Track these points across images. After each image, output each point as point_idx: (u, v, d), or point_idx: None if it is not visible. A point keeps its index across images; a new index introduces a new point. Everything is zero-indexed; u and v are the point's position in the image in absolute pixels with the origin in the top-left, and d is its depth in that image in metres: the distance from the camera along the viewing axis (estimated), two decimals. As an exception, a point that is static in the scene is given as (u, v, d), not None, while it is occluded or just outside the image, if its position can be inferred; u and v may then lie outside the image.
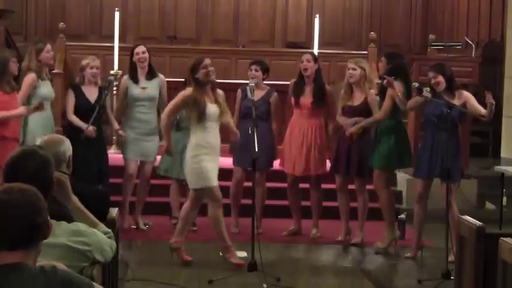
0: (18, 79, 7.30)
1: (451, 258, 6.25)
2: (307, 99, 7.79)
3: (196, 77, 6.62)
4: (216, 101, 6.63)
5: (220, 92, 6.83)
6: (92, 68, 7.62)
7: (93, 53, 11.17)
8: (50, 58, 7.55)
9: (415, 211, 7.22)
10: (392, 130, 7.42)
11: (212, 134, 6.59)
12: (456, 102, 6.84)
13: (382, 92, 7.43)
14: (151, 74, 7.96)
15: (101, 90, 7.65)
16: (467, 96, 6.97)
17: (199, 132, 6.60)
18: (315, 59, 7.94)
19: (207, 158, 6.55)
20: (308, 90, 7.83)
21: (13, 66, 7.03)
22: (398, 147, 7.44)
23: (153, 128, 7.91)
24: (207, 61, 6.70)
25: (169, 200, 8.18)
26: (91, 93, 7.59)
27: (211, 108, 6.57)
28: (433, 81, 6.97)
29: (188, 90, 6.68)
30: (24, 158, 3.28)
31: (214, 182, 6.58)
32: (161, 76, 8.09)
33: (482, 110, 6.79)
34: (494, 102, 6.72)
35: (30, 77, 7.33)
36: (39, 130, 7.14)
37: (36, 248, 2.46)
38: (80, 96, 7.58)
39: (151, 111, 7.93)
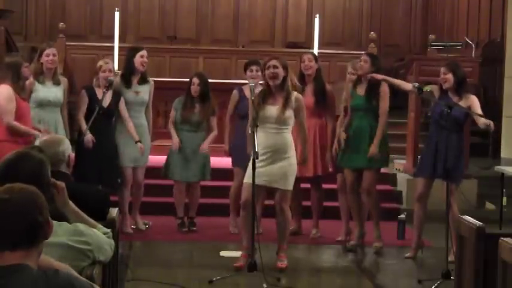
0: None
1: (451, 258, 6.24)
2: (308, 98, 7.79)
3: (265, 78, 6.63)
4: (282, 104, 6.48)
5: (295, 96, 6.68)
6: (104, 71, 7.60)
7: (93, 53, 11.26)
8: (49, 62, 7.33)
9: (415, 210, 7.21)
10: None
11: (267, 136, 6.49)
12: (462, 104, 6.84)
13: (369, 92, 7.38)
14: (143, 79, 7.93)
15: (112, 92, 7.63)
16: (472, 100, 6.94)
17: (257, 133, 6.59)
18: (316, 58, 7.95)
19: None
20: (308, 89, 7.82)
21: (26, 71, 6.98)
22: (386, 146, 7.47)
23: (144, 131, 7.88)
24: (271, 62, 6.58)
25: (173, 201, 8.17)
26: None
27: (269, 111, 6.52)
28: (441, 76, 6.98)
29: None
30: (18, 160, 3.29)
31: (247, 180, 6.55)
32: (151, 81, 8.06)
33: (481, 120, 6.77)
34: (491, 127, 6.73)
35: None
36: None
37: (38, 248, 2.45)
38: (92, 98, 7.56)
39: (141, 115, 7.90)
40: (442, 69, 7.01)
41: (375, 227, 7.55)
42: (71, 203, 3.60)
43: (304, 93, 7.79)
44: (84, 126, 7.43)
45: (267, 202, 7.83)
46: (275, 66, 6.56)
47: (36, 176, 3.25)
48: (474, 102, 6.91)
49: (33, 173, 3.26)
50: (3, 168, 3.28)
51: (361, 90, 7.46)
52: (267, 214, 7.97)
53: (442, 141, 6.88)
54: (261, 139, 6.47)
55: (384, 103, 7.36)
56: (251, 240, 6.37)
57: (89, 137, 7.32)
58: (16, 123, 6.78)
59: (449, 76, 6.92)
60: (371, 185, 7.46)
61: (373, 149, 7.33)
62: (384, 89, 7.36)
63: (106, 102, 7.55)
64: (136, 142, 7.68)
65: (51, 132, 7.02)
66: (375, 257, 7.39)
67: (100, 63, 7.69)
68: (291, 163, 6.61)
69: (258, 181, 6.43)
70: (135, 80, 7.89)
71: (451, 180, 6.66)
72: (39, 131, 6.85)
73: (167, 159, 8.08)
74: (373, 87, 7.35)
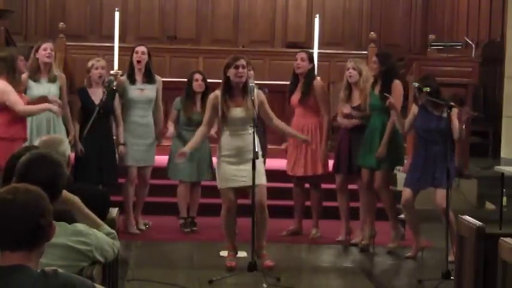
0: None
1: (451, 258, 6.24)
2: (296, 96, 7.80)
3: (228, 76, 6.53)
4: (246, 105, 6.43)
5: (258, 93, 6.65)
6: (97, 68, 7.58)
7: (93, 53, 11.23)
8: (45, 56, 7.30)
9: (406, 218, 7.23)
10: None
11: (237, 138, 6.50)
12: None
13: (381, 90, 7.37)
14: (149, 78, 7.92)
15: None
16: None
17: (223, 135, 6.61)
18: (310, 58, 7.91)
19: (226, 160, 6.55)
20: (299, 88, 7.82)
21: (21, 65, 6.94)
22: (397, 146, 7.45)
23: (151, 130, 7.90)
24: (241, 62, 6.49)
25: (177, 201, 8.16)
26: (97, 95, 7.54)
27: (233, 112, 6.50)
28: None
29: (213, 94, 6.66)
30: (38, 161, 3.29)
31: (226, 184, 6.57)
32: (158, 78, 8.06)
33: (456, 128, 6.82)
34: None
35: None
36: (38, 131, 7.12)
37: (39, 249, 2.45)
38: (85, 99, 7.54)
39: (148, 114, 7.90)
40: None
41: (391, 228, 7.55)
42: (77, 199, 3.61)
43: (295, 92, 7.81)
44: (73, 131, 7.41)
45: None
46: (244, 66, 6.51)
47: (54, 177, 3.26)
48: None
49: (51, 174, 3.26)
50: (24, 167, 3.28)
51: (377, 89, 7.47)
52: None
53: (431, 155, 6.88)
54: (228, 141, 6.52)
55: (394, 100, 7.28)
56: (234, 239, 6.66)
57: (78, 148, 7.35)
58: (28, 107, 6.81)
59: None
60: (381, 185, 7.46)
61: (381, 149, 7.31)
62: (395, 86, 7.33)
63: (103, 102, 7.54)
64: (119, 144, 7.71)
65: (60, 103, 7.04)
66: (375, 257, 7.39)
67: (92, 61, 7.66)
68: (259, 161, 6.56)
69: (236, 184, 6.52)
70: (139, 77, 7.90)
71: (441, 187, 6.72)
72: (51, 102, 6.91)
73: (171, 160, 8.05)
74: (386, 85, 7.35)
